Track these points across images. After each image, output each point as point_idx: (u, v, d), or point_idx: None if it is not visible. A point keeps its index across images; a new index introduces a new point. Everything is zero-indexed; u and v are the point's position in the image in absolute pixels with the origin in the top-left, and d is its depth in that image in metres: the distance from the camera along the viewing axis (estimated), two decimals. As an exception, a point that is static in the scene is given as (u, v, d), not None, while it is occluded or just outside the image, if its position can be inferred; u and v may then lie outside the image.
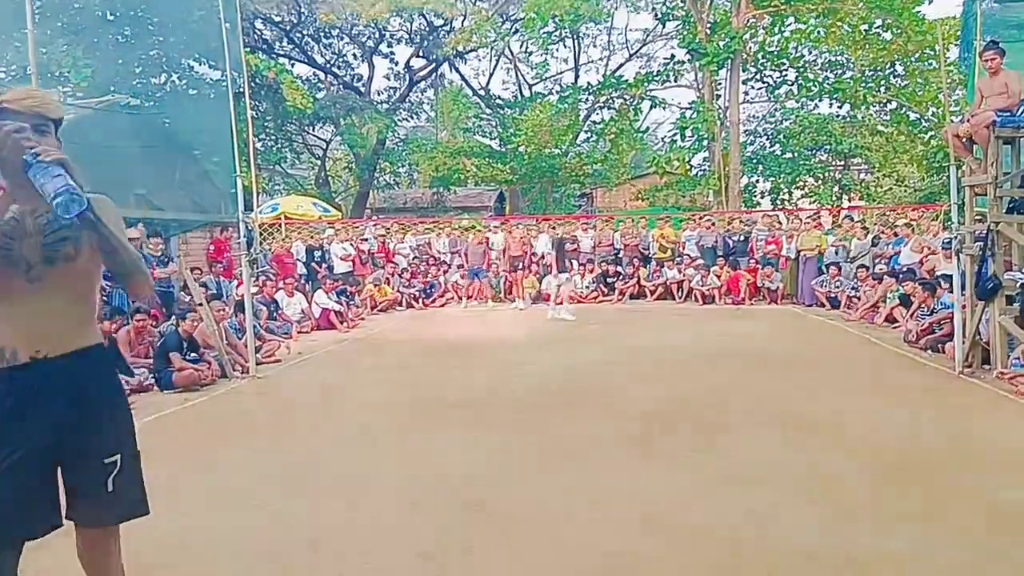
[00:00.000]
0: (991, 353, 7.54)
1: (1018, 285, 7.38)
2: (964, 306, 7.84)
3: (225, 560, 3.57)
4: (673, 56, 24.41)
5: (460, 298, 16.11)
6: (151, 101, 14.21)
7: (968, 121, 7.77)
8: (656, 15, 26.41)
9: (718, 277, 15.21)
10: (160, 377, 7.87)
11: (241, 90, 10.28)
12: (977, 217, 7.91)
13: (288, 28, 27.57)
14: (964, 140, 7.87)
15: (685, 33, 22.78)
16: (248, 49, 17.17)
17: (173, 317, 8.70)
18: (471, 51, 29.18)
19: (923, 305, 9.99)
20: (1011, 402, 6.43)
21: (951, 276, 8.39)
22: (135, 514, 2.53)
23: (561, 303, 13.75)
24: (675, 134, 23.75)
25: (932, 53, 20.42)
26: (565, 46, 30.25)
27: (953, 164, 8.07)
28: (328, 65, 30.06)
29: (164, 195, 13.43)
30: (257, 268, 12.74)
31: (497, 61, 32.55)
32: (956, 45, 11.42)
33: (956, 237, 7.91)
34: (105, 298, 8.97)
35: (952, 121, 8.31)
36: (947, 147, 8.45)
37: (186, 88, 15.33)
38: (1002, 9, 8.93)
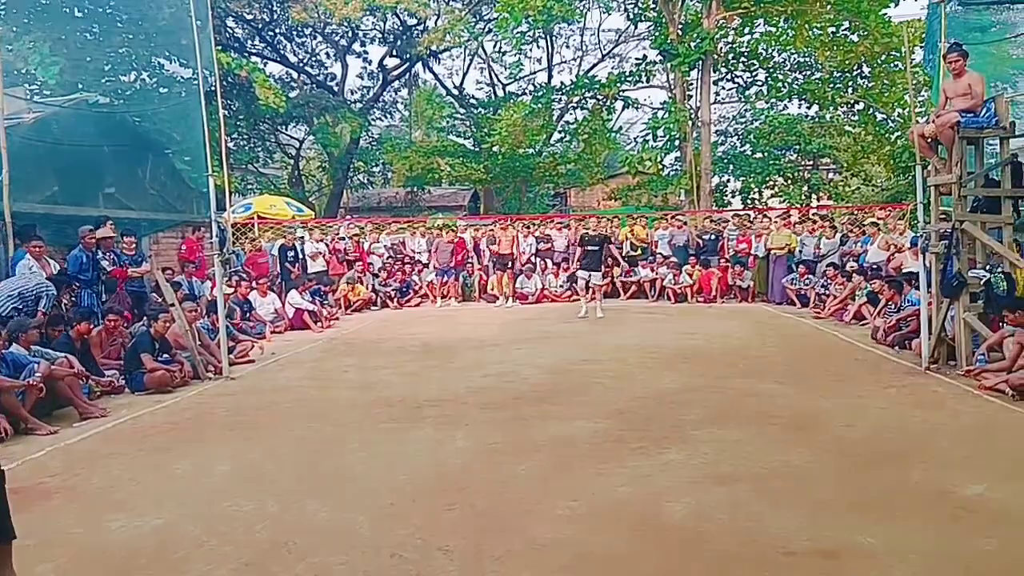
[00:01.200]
0: (956, 349, 7.71)
1: (981, 282, 7.56)
2: (930, 303, 7.99)
3: (199, 562, 3.55)
4: (645, 57, 24.56)
5: (435, 298, 16.11)
6: (120, 99, 14.05)
7: (933, 122, 7.92)
8: (628, 16, 26.57)
9: (690, 276, 15.37)
10: (131, 378, 7.78)
11: (213, 89, 10.18)
12: (942, 216, 8.07)
13: (260, 26, 27.30)
14: (929, 140, 8.03)
15: (657, 34, 22.93)
16: (219, 47, 16.97)
17: (145, 318, 8.58)
18: (445, 51, 29.13)
19: (890, 303, 10.16)
20: (975, 397, 6.58)
21: (918, 274, 8.55)
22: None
23: (597, 299, 13.26)
24: (647, 134, 23.89)
25: (898, 55, 20.76)
26: (538, 46, 30.36)
27: (919, 164, 8.24)
28: (301, 64, 29.83)
29: (134, 194, 13.30)
30: (230, 268, 12.63)
31: (471, 61, 32.58)
32: (921, 47, 11.62)
33: (922, 236, 8.07)
34: (75, 299, 8.85)
35: (918, 122, 8.47)
36: (913, 147, 8.61)
37: (156, 86, 15.13)
38: (965, 12, 9.15)
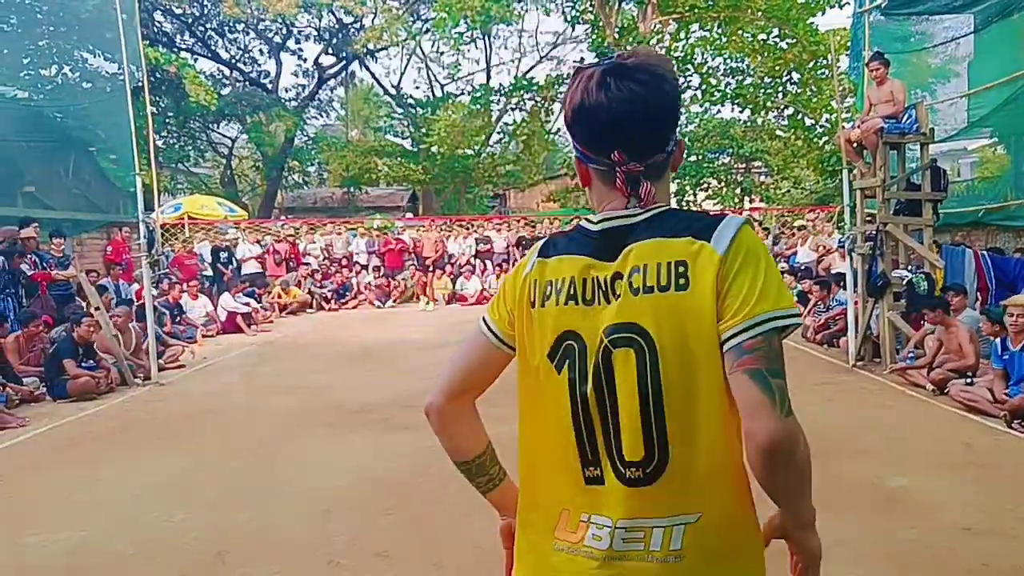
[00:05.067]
0: (881, 347, 8.00)
1: (904, 282, 7.85)
2: (856, 303, 8.27)
3: (126, 576, 3.43)
4: (583, 59, 24.79)
5: (372, 300, 15.92)
6: (41, 94, 13.49)
7: (859, 127, 8.21)
8: (566, 18, 26.78)
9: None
10: (52, 386, 7.46)
11: (140, 84, 9.87)
12: (867, 218, 8.36)
13: (190, 21, 26.56)
14: (855, 145, 8.31)
15: (594, 37, 23.19)
16: (147, 42, 16.44)
17: (67, 322, 8.23)
18: (382, 50, 28.82)
19: (819, 302, 10.48)
20: (899, 392, 6.85)
21: (845, 274, 8.84)
22: None
23: None
24: (585, 136, 24.11)
25: (825, 62, 21.44)
26: (477, 47, 30.33)
27: (846, 168, 8.52)
28: (233, 61, 29.12)
29: (56, 193, 12.80)
30: (159, 270, 12.25)
31: (408, 60, 32.29)
32: (847, 55, 12.02)
33: (848, 237, 8.35)
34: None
35: (844, 127, 8.76)
36: (840, 152, 8.90)
37: (79, 81, 14.58)
38: (887, 22, 9.50)
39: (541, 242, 1.35)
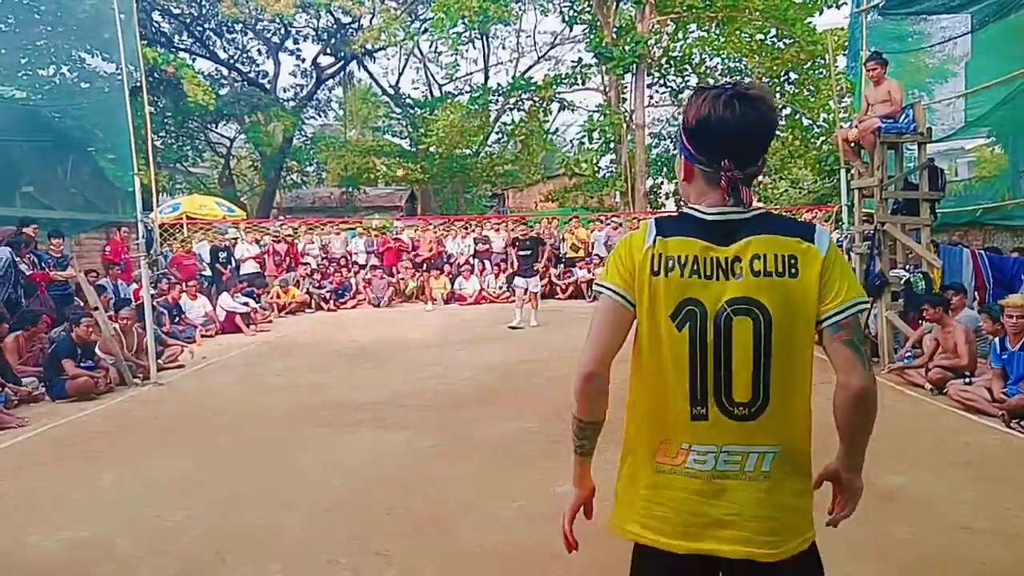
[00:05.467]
0: (879, 346, 8.01)
1: (902, 282, 7.87)
2: (854, 302, 8.26)
3: (128, 575, 3.43)
4: (581, 59, 24.83)
5: (370, 300, 15.91)
6: (39, 94, 13.46)
7: (856, 127, 8.22)
8: (564, 18, 26.78)
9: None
10: (52, 386, 7.45)
11: (138, 84, 9.87)
12: (865, 217, 8.38)
13: (188, 21, 26.55)
14: (853, 145, 8.33)
15: (592, 37, 23.18)
16: (145, 42, 16.45)
17: (66, 322, 8.23)
18: (380, 50, 28.82)
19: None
20: (897, 392, 6.86)
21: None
22: None
23: (533, 307, 12.26)
24: (583, 136, 24.15)
25: (823, 62, 21.48)
26: (475, 47, 30.33)
27: (843, 168, 8.54)
28: (231, 61, 29.12)
29: (54, 193, 12.78)
30: (157, 270, 12.25)
31: (406, 60, 32.29)
32: (845, 55, 12.05)
33: (846, 236, 8.37)
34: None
35: (842, 127, 8.79)
36: (838, 152, 8.92)
37: (77, 81, 14.56)
38: (885, 22, 9.52)
39: (652, 220, 1.71)
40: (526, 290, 12.32)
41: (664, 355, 1.63)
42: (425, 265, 16.63)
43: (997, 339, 6.26)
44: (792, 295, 1.58)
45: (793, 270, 1.58)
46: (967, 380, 6.37)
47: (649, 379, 1.68)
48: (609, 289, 1.67)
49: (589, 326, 1.70)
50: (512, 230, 17.48)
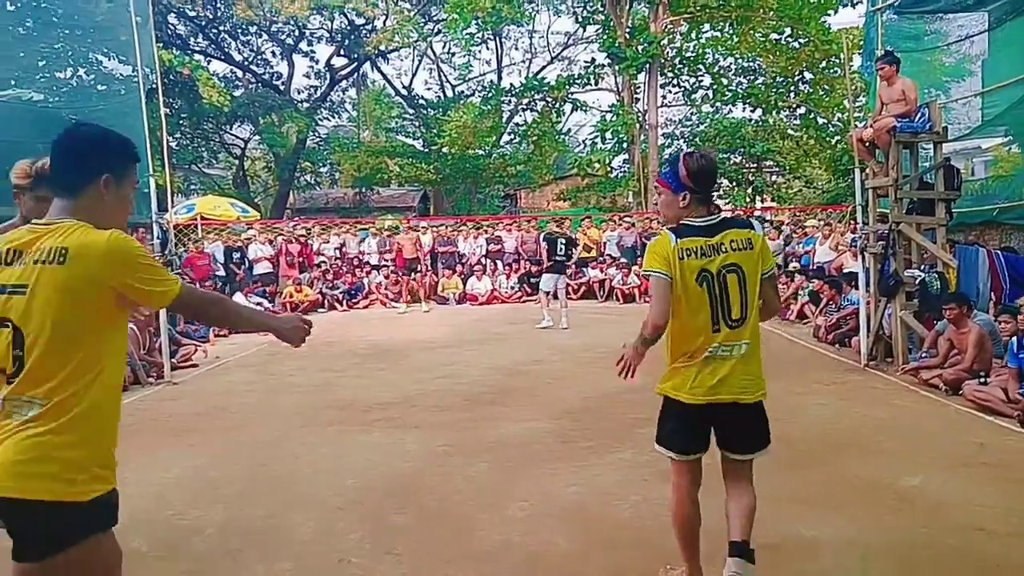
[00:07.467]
0: (893, 347, 7.96)
1: (916, 282, 7.80)
2: (868, 302, 8.23)
3: (142, 573, 3.45)
4: (594, 60, 24.75)
5: (383, 300, 15.93)
6: (57, 96, 13.57)
7: (871, 126, 8.16)
8: (577, 19, 26.76)
9: (638, 276, 15.51)
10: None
11: (154, 86, 9.93)
12: (879, 217, 8.31)
13: (203, 23, 26.73)
14: (867, 144, 8.27)
15: (605, 37, 23.12)
16: (161, 44, 16.52)
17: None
18: (393, 51, 28.90)
19: (831, 302, 10.44)
20: (912, 392, 6.80)
21: (857, 274, 8.79)
22: None
23: (563, 306, 11.89)
24: (596, 136, 24.11)
25: (837, 61, 21.33)
26: (488, 47, 30.38)
27: (858, 167, 8.47)
28: (246, 62, 29.29)
29: (71, 195, 12.86)
30: (172, 270, 12.29)
31: (420, 61, 32.37)
32: (859, 54, 11.96)
33: (861, 236, 8.30)
34: None
35: (856, 126, 8.72)
36: (852, 151, 8.85)
37: (94, 83, 14.67)
38: (900, 21, 9.44)
39: (668, 230, 2.89)
40: (555, 288, 11.95)
41: (692, 301, 2.80)
42: (419, 267, 15.93)
43: (1015, 339, 6.20)
44: (751, 260, 2.83)
45: (750, 247, 2.83)
46: (982, 380, 6.31)
47: (683, 318, 2.82)
48: (658, 271, 2.80)
49: (650, 295, 2.90)
50: (527, 231, 17.43)
